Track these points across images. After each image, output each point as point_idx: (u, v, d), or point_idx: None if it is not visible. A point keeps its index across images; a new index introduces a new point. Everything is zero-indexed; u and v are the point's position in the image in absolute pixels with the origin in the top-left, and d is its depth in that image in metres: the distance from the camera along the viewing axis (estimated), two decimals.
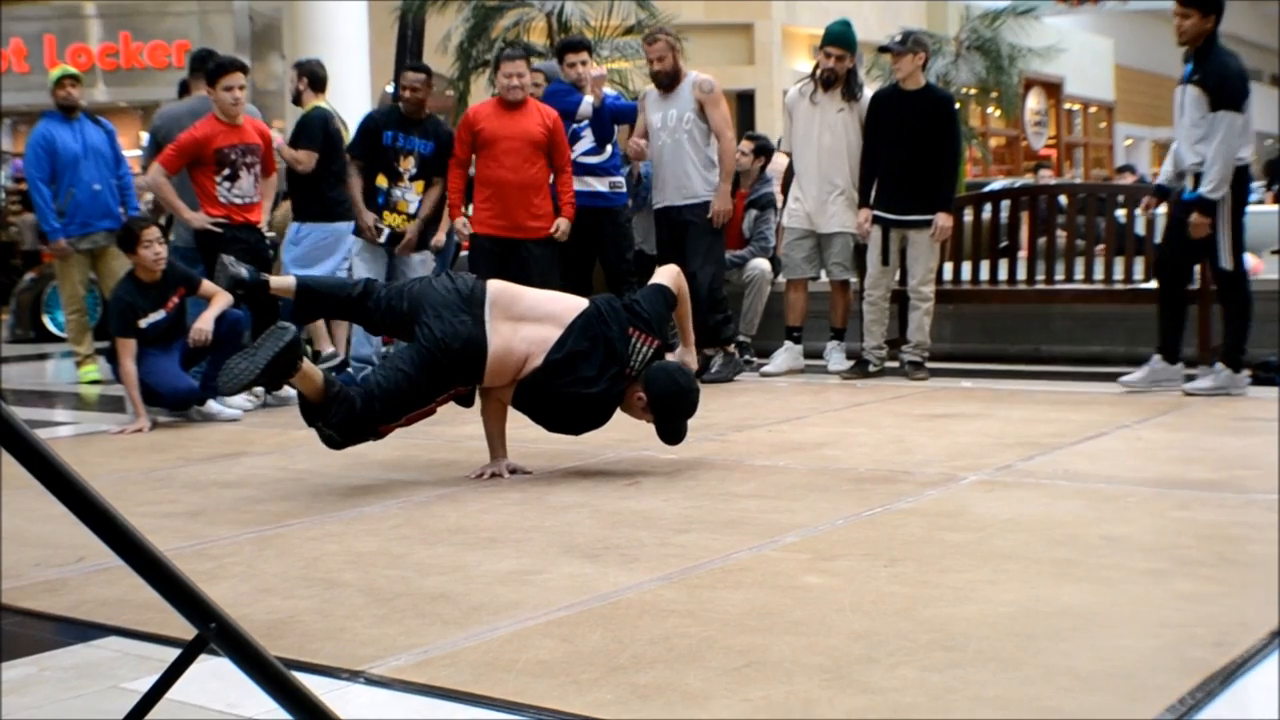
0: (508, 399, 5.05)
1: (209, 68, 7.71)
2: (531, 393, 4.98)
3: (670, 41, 8.03)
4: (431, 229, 8.22)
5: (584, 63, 8.19)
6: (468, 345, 4.86)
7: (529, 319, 5.01)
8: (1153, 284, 8.02)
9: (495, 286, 5.08)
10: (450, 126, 8.24)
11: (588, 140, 8.08)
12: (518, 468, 5.07)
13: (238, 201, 7.41)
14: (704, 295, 7.87)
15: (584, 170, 8.04)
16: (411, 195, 8.08)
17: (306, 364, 4.70)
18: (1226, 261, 6.72)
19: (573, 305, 5.11)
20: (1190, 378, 6.87)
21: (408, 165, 8.07)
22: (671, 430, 4.99)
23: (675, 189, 7.99)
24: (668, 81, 7.98)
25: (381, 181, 8.07)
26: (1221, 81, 6.64)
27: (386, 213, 8.06)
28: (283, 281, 5.45)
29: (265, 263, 7.78)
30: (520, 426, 5.21)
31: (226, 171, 7.38)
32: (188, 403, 6.91)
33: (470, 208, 7.93)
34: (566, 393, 4.92)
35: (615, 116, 8.28)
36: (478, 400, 5.19)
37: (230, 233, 7.37)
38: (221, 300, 6.95)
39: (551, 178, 7.78)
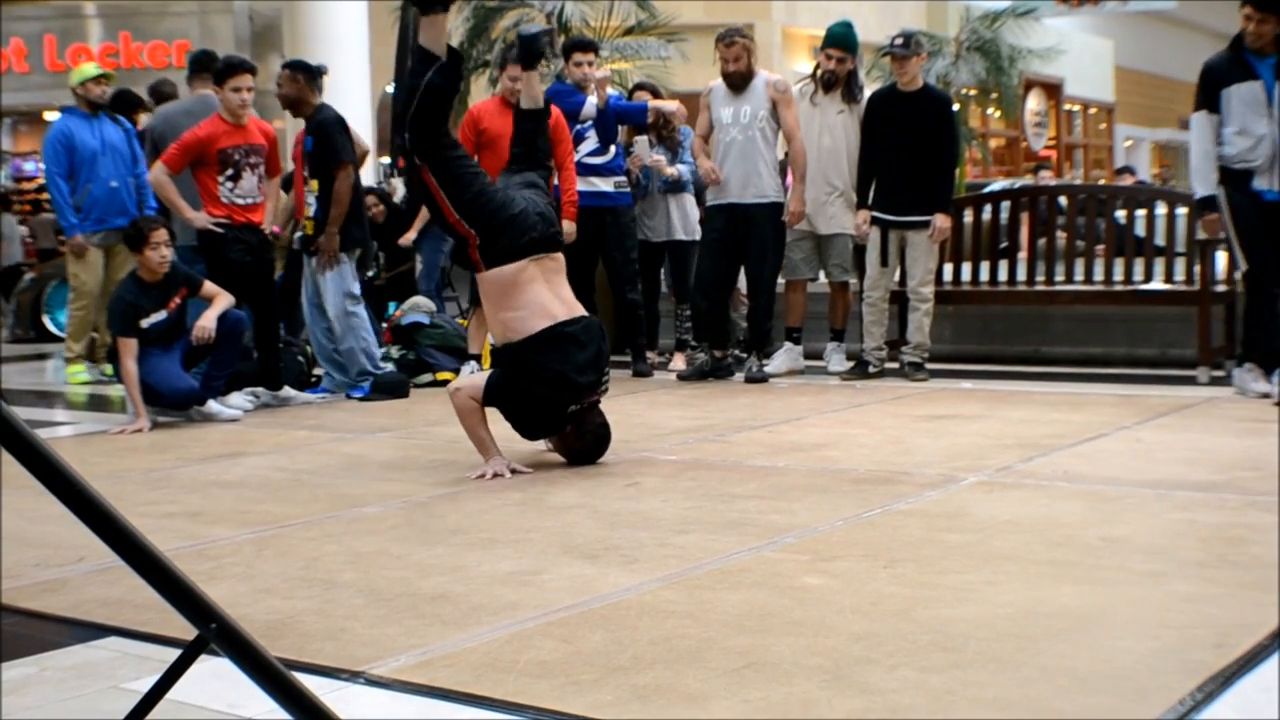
0: (479, 398, 5.07)
1: (217, 67, 7.69)
2: (514, 360, 5.07)
3: (747, 44, 7.89)
4: (349, 228, 7.73)
5: (590, 63, 8.18)
6: (530, 208, 5.20)
7: (557, 286, 5.19)
8: (1153, 285, 8.05)
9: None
10: (332, 114, 8.10)
11: (592, 141, 8.08)
12: (516, 467, 5.08)
13: (240, 202, 7.41)
14: (764, 296, 7.86)
15: (589, 170, 8.04)
16: (311, 199, 7.76)
17: None
18: None
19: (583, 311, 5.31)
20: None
21: (302, 169, 7.82)
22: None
23: (743, 186, 7.83)
24: (741, 82, 7.86)
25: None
26: None
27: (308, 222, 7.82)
28: None
29: (268, 265, 7.76)
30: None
31: (229, 172, 7.38)
32: (188, 402, 6.91)
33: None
34: (550, 369, 5.00)
35: (619, 117, 8.27)
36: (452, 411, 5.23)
37: (232, 233, 7.37)
38: (223, 300, 6.96)
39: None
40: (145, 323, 6.76)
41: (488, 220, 5.17)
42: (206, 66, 8.38)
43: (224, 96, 7.40)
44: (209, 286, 7.03)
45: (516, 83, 7.66)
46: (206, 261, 7.50)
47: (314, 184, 7.72)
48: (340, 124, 7.77)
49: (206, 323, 6.85)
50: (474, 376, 5.21)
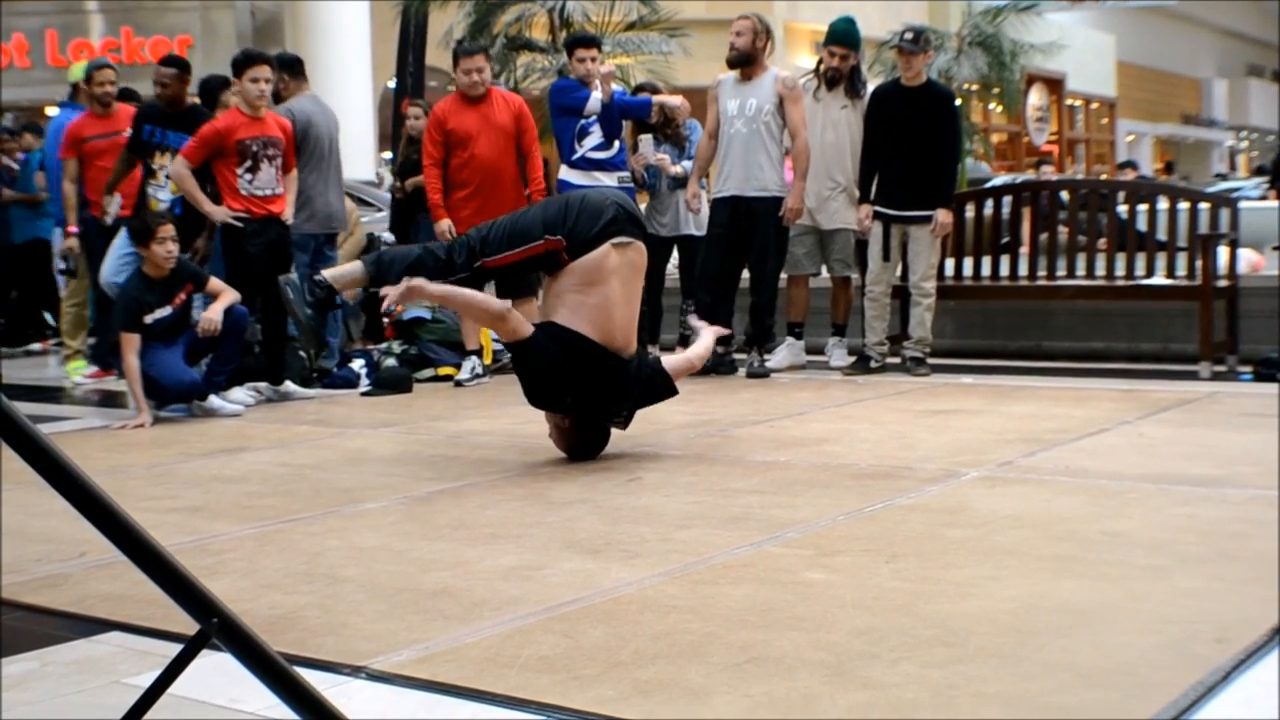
0: (524, 332, 4.96)
1: (236, 58, 7.76)
2: (551, 339, 4.97)
3: (754, 24, 7.87)
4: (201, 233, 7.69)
5: (593, 59, 8.18)
6: (603, 195, 5.25)
7: (632, 292, 5.10)
8: (1155, 280, 8.05)
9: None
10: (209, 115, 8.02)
11: (596, 136, 8.07)
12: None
13: (258, 193, 7.43)
14: (766, 292, 7.83)
15: (592, 165, 8.03)
16: (165, 194, 7.74)
17: None
18: None
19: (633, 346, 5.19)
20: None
21: (164, 161, 7.83)
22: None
23: (745, 179, 7.79)
24: (741, 61, 7.81)
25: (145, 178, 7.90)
26: None
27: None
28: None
29: (286, 257, 7.75)
30: (521, 422, 5.21)
31: (248, 163, 7.40)
32: (190, 395, 6.91)
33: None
34: (569, 361, 4.94)
35: (623, 112, 8.27)
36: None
37: (250, 226, 7.38)
38: (229, 295, 6.97)
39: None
40: (149, 318, 6.76)
41: (558, 214, 5.11)
42: (300, 70, 8.43)
43: (242, 88, 7.45)
44: (215, 283, 7.04)
45: (470, 75, 7.70)
46: (224, 253, 7.56)
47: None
48: None
49: (214, 314, 6.85)
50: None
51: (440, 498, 4.58)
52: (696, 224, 8.48)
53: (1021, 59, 22.11)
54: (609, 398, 5.09)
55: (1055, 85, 32.94)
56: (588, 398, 5.04)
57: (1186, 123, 42.28)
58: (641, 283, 5.23)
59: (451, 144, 7.71)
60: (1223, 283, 7.72)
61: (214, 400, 6.99)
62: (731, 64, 7.86)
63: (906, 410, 6.32)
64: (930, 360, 7.78)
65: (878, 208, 7.78)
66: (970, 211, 8.65)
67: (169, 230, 6.81)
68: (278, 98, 8.09)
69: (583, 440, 5.17)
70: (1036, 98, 31.93)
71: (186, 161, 7.47)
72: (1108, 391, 6.75)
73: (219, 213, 7.42)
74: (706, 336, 5.77)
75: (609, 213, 5.09)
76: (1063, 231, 8.62)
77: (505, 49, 15.53)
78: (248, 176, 7.40)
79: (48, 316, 11.76)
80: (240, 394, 7.32)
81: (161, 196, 7.84)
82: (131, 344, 6.66)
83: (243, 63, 7.53)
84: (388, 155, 19.38)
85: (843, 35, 8.09)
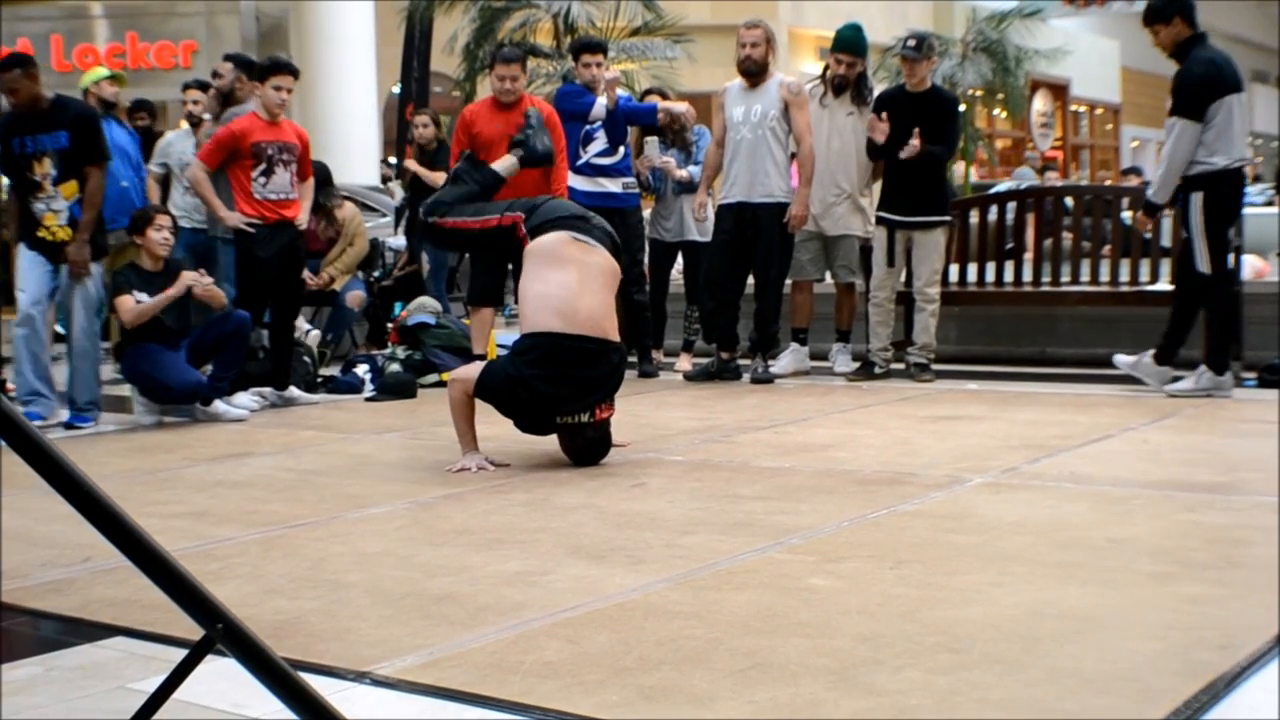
0: (470, 391, 5.08)
1: (263, 64, 7.79)
2: (515, 357, 5.06)
3: (768, 33, 7.92)
4: (96, 236, 7.07)
5: (599, 64, 8.19)
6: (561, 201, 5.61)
7: (595, 283, 5.15)
8: (1159, 286, 8.04)
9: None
10: (83, 102, 7.63)
11: (601, 141, 8.08)
12: (496, 462, 5.14)
13: (273, 198, 7.46)
14: (771, 299, 7.83)
15: (597, 171, 8.04)
16: (60, 203, 6.95)
17: None
18: (1202, 265, 6.64)
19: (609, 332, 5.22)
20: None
21: (45, 168, 6.93)
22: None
23: (751, 185, 7.79)
24: (756, 70, 7.82)
25: (28, 200, 7.01)
26: (1178, 88, 6.64)
27: (42, 231, 6.94)
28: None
29: (298, 263, 7.77)
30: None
31: (263, 167, 7.43)
32: (195, 395, 6.92)
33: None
34: (541, 389, 4.98)
35: (628, 118, 8.27)
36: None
37: (262, 232, 7.41)
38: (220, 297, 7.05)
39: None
40: (138, 295, 6.81)
41: (524, 204, 5.35)
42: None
43: (264, 93, 7.48)
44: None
45: (504, 81, 7.71)
46: (236, 257, 7.63)
47: (70, 186, 6.96)
48: (99, 118, 7.45)
49: (211, 286, 6.94)
50: (470, 367, 5.22)
51: (445, 503, 4.59)
52: (701, 229, 8.48)
53: (1026, 65, 22.14)
54: (587, 389, 5.07)
55: (1060, 91, 32.94)
56: (564, 397, 5.04)
57: None
58: (612, 288, 5.27)
59: (475, 148, 7.73)
60: None
61: (218, 405, 6.99)
62: (746, 74, 7.86)
63: (910, 416, 6.32)
64: (934, 366, 7.77)
65: (882, 213, 7.78)
66: (975, 217, 8.64)
67: (166, 220, 6.87)
68: (231, 98, 8.07)
69: (582, 443, 5.16)
70: (1041, 104, 31.94)
71: (204, 165, 7.53)
72: (1112, 397, 6.75)
73: (232, 218, 7.46)
74: None
75: (574, 210, 5.38)
76: (1067, 237, 8.63)
77: (493, 53, 15.58)
78: (262, 180, 7.44)
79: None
80: (245, 399, 7.33)
81: (55, 207, 6.96)
82: (125, 303, 6.77)
83: (269, 69, 7.57)
84: (392, 160, 19.40)
85: (850, 43, 8.10)
